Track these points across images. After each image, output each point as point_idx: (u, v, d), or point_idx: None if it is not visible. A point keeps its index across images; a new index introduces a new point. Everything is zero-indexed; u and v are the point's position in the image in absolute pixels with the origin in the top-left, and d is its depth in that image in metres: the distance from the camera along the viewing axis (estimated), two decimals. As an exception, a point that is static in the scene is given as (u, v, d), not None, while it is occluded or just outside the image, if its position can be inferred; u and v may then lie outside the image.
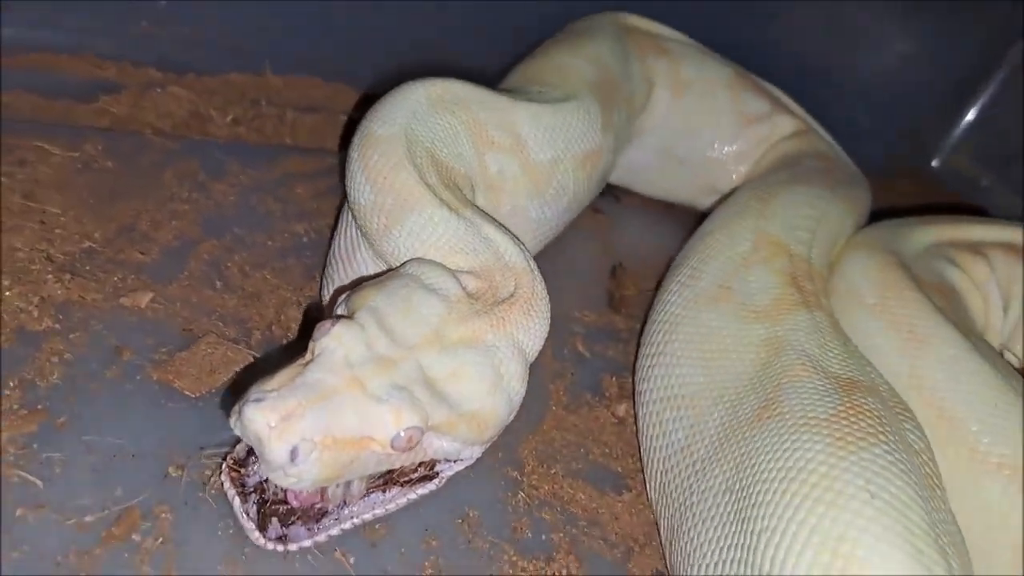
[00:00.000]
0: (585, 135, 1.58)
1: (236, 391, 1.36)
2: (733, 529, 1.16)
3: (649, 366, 1.51)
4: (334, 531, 1.18)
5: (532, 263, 1.30)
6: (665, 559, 1.37)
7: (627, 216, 2.16)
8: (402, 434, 1.07)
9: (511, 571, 1.30)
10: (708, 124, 2.04)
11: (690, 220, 2.23)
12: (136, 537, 1.15)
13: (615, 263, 1.97)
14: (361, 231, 1.35)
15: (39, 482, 1.15)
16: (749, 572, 1.10)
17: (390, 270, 1.32)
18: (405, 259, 1.30)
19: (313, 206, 1.71)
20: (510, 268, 1.29)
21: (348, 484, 1.16)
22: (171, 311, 1.42)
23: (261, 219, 1.63)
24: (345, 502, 1.17)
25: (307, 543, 1.16)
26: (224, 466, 1.17)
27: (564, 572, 1.33)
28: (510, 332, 1.22)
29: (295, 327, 1.49)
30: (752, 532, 1.11)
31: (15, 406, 1.22)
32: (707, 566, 1.19)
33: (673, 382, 1.43)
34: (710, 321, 1.45)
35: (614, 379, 1.69)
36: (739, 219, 1.65)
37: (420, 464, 1.21)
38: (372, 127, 1.37)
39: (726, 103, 2.06)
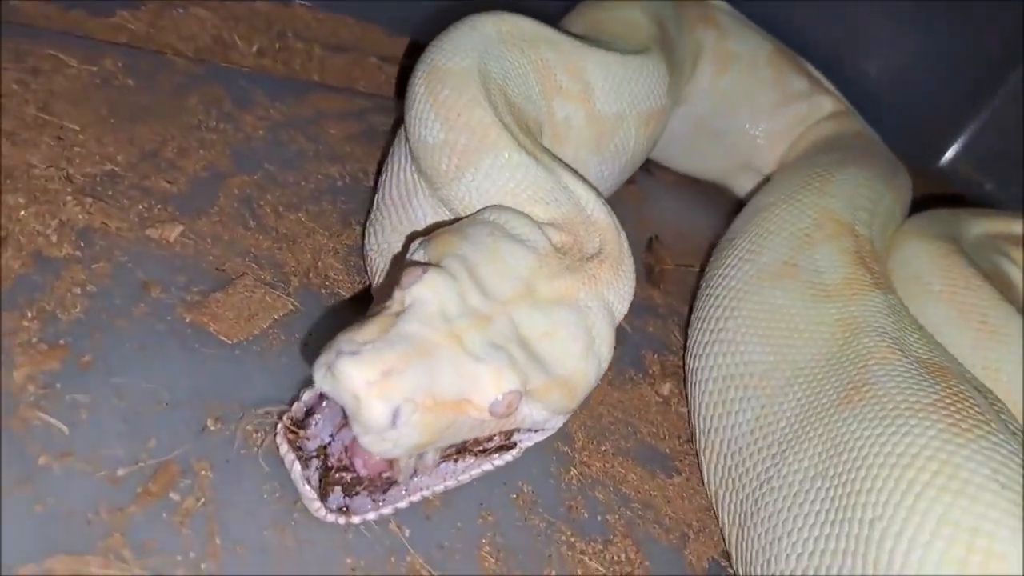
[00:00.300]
0: (652, 93, 1.47)
1: (275, 342, 1.22)
2: (832, 517, 1.08)
3: (706, 343, 1.43)
4: (401, 503, 1.06)
5: (616, 220, 1.19)
6: (730, 547, 1.28)
7: (660, 189, 2.07)
8: (500, 398, 0.95)
9: (569, 552, 1.19)
10: (748, 99, 1.97)
11: (720, 198, 2.14)
12: (174, 496, 1.01)
13: (651, 235, 1.87)
14: (422, 174, 1.22)
15: (64, 427, 1.01)
16: (861, 562, 1.01)
17: (457, 220, 1.19)
18: (476, 206, 1.18)
19: (346, 149, 1.57)
20: (593, 223, 1.18)
21: (422, 454, 1.04)
22: (202, 248, 1.27)
23: (292, 157, 1.49)
24: (416, 472, 1.05)
25: (371, 516, 1.04)
26: (281, 427, 1.04)
27: (623, 556, 1.23)
28: (600, 292, 1.11)
29: (333, 276, 1.36)
30: (861, 521, 1.03)
31: (34, 339, 1.07)
32: (797, 557, 1.10)
33: (736, 360, 1.36)
34: (776, 298, 1.37)
35: (656, 356, 1.60)
36: (800, 194, 1.57)
37: (497, 433, 1.10)
38: (440, 59, 1.24)
39: (768, 79, 1.99)
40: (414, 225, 1.26)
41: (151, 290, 1.20)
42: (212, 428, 1.09)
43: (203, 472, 1.04)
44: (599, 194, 1.20)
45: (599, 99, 1.38)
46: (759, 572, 1.16)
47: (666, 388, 1.51)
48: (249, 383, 1.16)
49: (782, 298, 1.35)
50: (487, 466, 1.09)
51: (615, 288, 1.13)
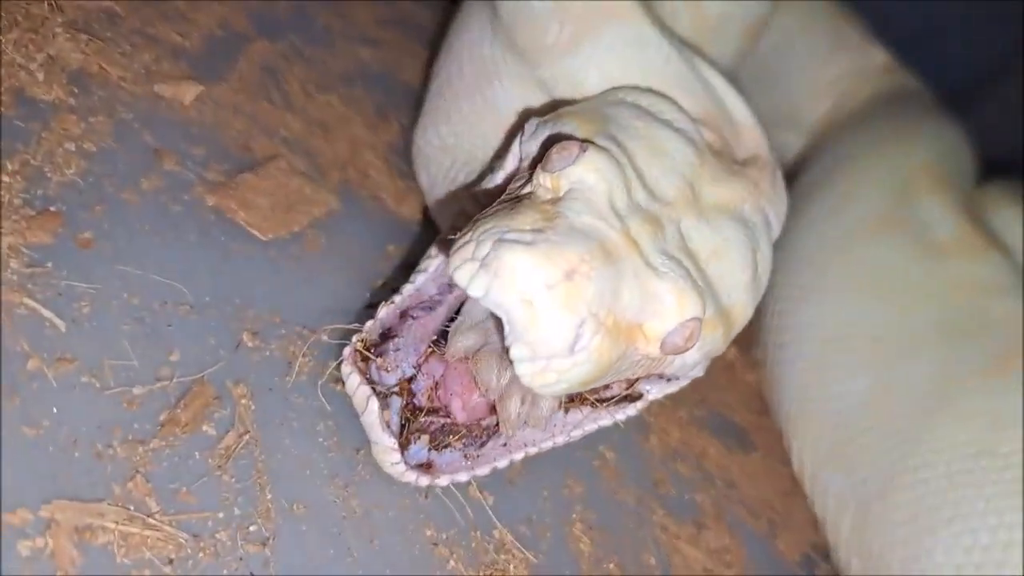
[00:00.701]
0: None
1: (315, 245, 0.95)
2: (1008, 503, 0.88)
3: (794, 300, 1.22)
4: (501, 462, 0.81)
5: (763, 126, 0.97)
6: (837, 539, 1.10)
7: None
8: (678, 327, 0.72)
9: (664, 535, 0.98)
10: (806, 39, 1.77)
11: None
12: (209, 429, 0.73)
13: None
14: (514, 48, 0.97)
15: (60, 322, 0.72)
16: None
17: (555, 106, 0.94)
18: (592, 89, 0.94)
19: (377, 33, 1.30)
20: (737, 125, 0.96)
21: (535, 399, 0.79)
22: (222, 118, 0.99)
23: (320, 33, 1.21)
24: (526, 423, 0.79)
25: (462, 477, 0.79)
26: (350, 351, 0.77)
27: (718, 544, 1.02)
28: (762, 206, 0.90)
29: (374, 176, 1.09)
30: None
31: (16, 201, 0.78)
32: (965, 550, 0.90)
33: (837, 320, 1.18)
34: (879, 253, 1.21)
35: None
36: (887, 146, 1.40)
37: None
38: None
39: (824, 21, 1.79)
40: (494, 116, 1.01)
41: (163, 160, 0.91)
42: (249, 344, 0.82)
43: (243, 401, 0.77)
44: (741, 93, 0.96)
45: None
46: (896, 571, 0.95)
47: (730, 352, 1.30)
48: (289, 292, 0.89)
49: (887, 253, 1.19)
50: (604, 420, 0.86)
51: (774, 203, 0.90)
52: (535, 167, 0.78)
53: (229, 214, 0.92)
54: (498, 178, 0.87)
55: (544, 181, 0.74)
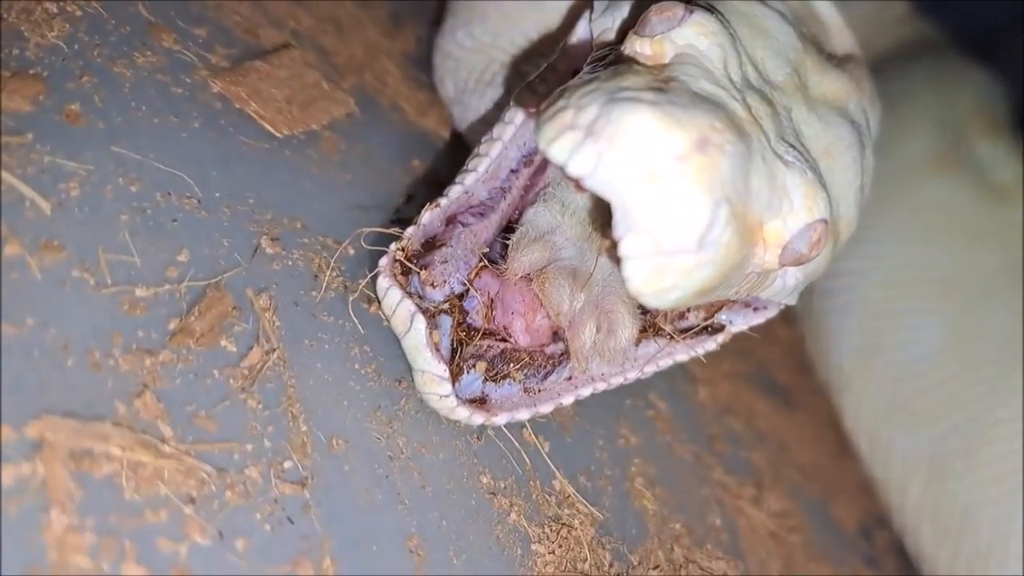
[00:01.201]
0: None
1: (334, 150, 0.81)
2: None
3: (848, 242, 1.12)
4: (566, 398, 0.68)
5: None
6: (904, 505, 0.98)
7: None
8: (805, 228, 0.60)
9: (726, 495, 0.86)
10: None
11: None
12: (228, 344, 0.59)
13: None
14: None
15: (44, 203, 0.56)
16: None
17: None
18: None
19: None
20: (823, 23, 0.84)
21: (612, 326, 0.66)
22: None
23: (325, -76, 1.05)
24: (600, 354, 0.66)
25: (523, 415, 0.66)
26: (388, 261, 0.64)
27: (779, 508, 0.90)
28: (865, 107, 0.78)
29: (392, 84, 0.94)
30: None
31: (-13, 58, 0.61)
32: None
33: (902, 263, 1.07)
34: (940, 193, 1.12)
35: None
36: (935, 87, 1.32)
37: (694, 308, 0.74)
38: None
39: None
40: (537, 10, 0.87)
41: (160, 36, 0.75)
42: (268, 251, 0.67)
43: (266, 314, 0.62)
44: None
45: None
46: (985, 533, 0.85)
47: (764, 302, 1.17)
48: (308, 197, 0.75)
49: (949, 194, 1.11)
50: (681, 355, 0.73)
51: (874, 106, 0.78)
52: (623, 37, 0.64)
53: (238, 103, 0.77)
54: (559, 65, 0.74)
55: (642, 47, 0.60)
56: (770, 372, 1.11)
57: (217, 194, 0.70)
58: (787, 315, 1.18)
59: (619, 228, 0.53)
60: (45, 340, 0.52)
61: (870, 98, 0.79)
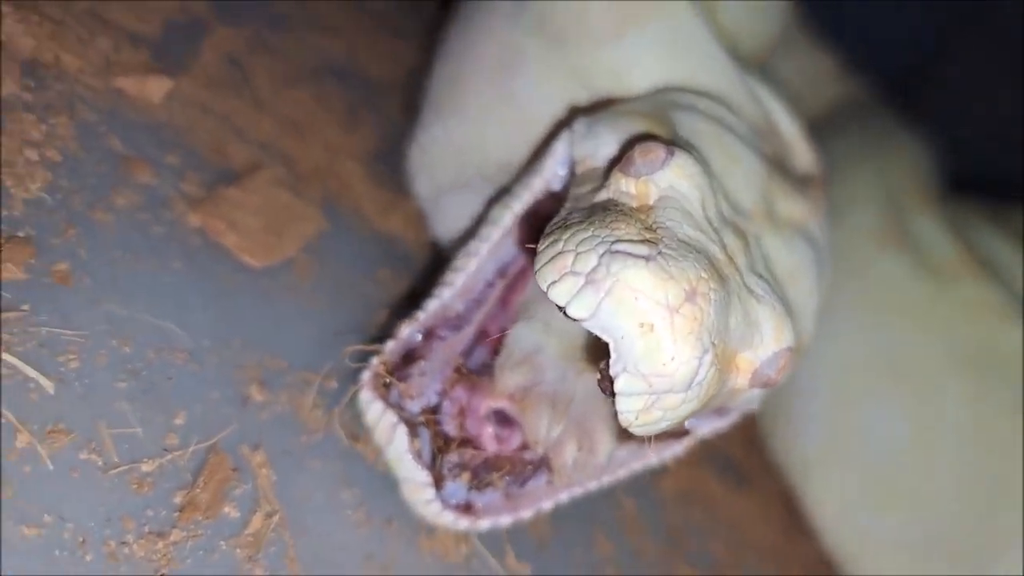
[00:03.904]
0: (777, 18, 1.19)
1: (308, 274, 0.83)
2: None
3: None
4: (546, 503, 0.74)
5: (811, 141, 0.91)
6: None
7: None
8: (772, 356, 0.66)
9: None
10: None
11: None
12: (231, 510, 0.61)
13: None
14: (550, 31, 0.86)
15: (47, 382, 0.57)
16: None
17: (601, 105, 0.84)
18: (634, 83, 0.84)
19: (338, 18, 1.17)
20: (785, 139, 0.89)
21: (592, 445, 0.71)
22: (192, 118, 0.85)
23: (278, 18, 1.07)
24: (580, 470, 0.71)
25: (505, 520, 0.71)
26: (370, 376, 0.69)
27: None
28: (823, 225, 0.83)
29: (356, 187, 0.97)
30: None
31: (-23, 225, 0.61)
32: None
33: (855, 346, 1.12)
34: (885, 270, 1.15)
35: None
36: (869, 156, 1.36)
37: None
38: None
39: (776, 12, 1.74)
40: (515, 110, 0.89)
41: (135, 171, 0.76)
42: (257, 398, 0.69)
43: (263, 471, 0.65)
44: (790, 106, 0.89)
45: (721, 10, 1.07)
46: None
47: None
48: (287, 328, 0.78)
49: (893, 271, 1.14)
50: (651, 459, 0.78)
51: (826, 224, 0.84)
52: (610, 170, 0.68)
53: (216, 236, 0.78)
54: (536, 184, 0.77)
55: (627, 187, 0.64)
56: (723, 448, 1.16)
57: (205, 341, 0.71)
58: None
59: (615, 367, 0.57)
60: (63, 538, 0.53)
61: (826, 216, 0.84)
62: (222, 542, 0.61)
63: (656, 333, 0.56)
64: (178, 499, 0.60)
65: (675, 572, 0.92)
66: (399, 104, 1.13)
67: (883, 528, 1.03)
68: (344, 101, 1.08)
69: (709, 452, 1.12)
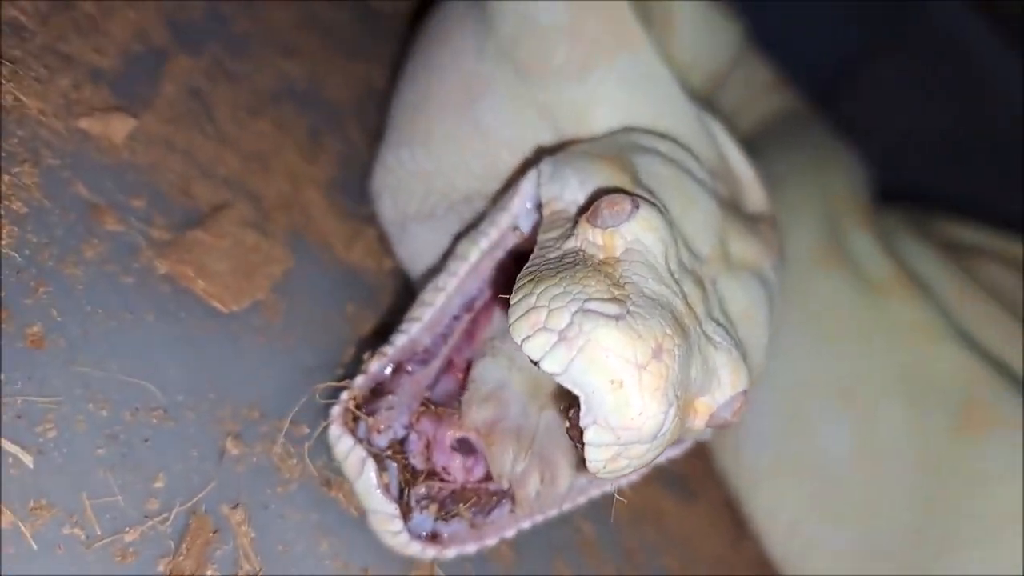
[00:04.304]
0: (728, 46, 1.20)
1: (276, 313, 0.83)
2: None
3: None
4: (509, 531, 0.76)
5: (762, 181, 0.93)
6: None
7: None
8: (729, 401, 0.69)
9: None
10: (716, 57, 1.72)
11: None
12: (214, 574, 0.61)
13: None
14: (514, 65, 0.87)
15: (26, 457, 0.57)
16: None
17: (566, 143, 0.86)
18: (596, 120, 0.86)
19: (298, 39, 1.16)
20: (737, 177, 0.92)
21: (553, 477, 0.74)
22: (157, 158, 0.85)
23: (239, 42, 1.06)
24: (542, 501, 0.74)
25: (471, 547, 0.74)
26: (340, 411, 0.72)
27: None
28: (775, 265, 0.86)
29: (319, 217, 0.97)
30: None
31: (-53, 291, 0.61)
32: None
33: (806, 365, 1.15)
34: (826, 289, 1.18)
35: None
36: (805, 171, 1.39)
37: None
38: None
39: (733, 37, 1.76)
40: (480, 139, 0.90)
41: (103, 218, 0.76)
42: (233, 452, 0.70)
43: (242, 528, 0.66)
44: (741, 145, 0.92)
45: (678, 39, 1.09)
46: None
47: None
48: (257, 374, 0.79)
49: (834, 289, 1.17)
50: (607, 486, 0.81)
51: (781, 260, 0.87)
52: (578, 216, 0.70)
53: (185, 282, 0.78)
54: (503, 221, 0.79)
55: (595, 238, 0.67)
56: (670, 462, 1.19)
57: (179, 396, 0.71)
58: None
59: (585, 419, 0.60)
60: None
61: (778, 255, 0.87)
62: (208, 609, 0.61)
63: (625, 390, 0.59)
64: (161, 567, 0.61)
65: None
66: (360, 127, 1.13)
67: (828, 540, 1.07)
68: (305, 126, 1.08)
69: (657, 467, 1.15)
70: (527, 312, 0.62)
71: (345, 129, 1.12)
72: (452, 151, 0.92)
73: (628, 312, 0.60)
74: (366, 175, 1.03)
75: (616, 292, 0.62)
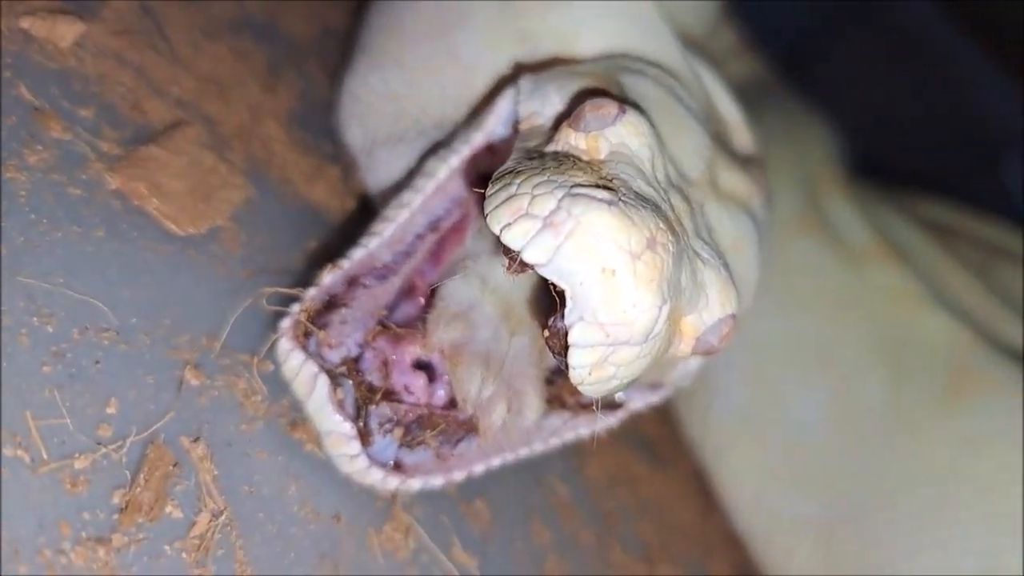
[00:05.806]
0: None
1: (234, 243, 0.77)
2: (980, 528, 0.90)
3: None
4: (477, 467, 0.71)
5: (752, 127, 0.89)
6: (794, 559, 1.05)
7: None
8: (717, 323, 0.64)
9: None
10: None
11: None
12: (175, 510, 0.55)
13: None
14: None
15: (-40, 367, 0.50)
16: None
17: (545, 65, 0.81)
18: (580, 47, 0.80)
19: (253, -29, 1.07)
20: (725, 121, 0.88)
21: (521, 407, 0.69)
22: (106, 69, 0.77)
23: (190, -40, 0.98)
24: (508, 433, 0.69)
25: (437, 481, 0.68)
26: (290, 323, 0.65)
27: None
28: (763, 204, 0.82)
29: (280, 152, 0.90)
30: None
31: None
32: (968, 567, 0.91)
33: (778, 328, 1.11)
34: (803, 256, 1.15)
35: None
36: (793, 136, 1.36)
37: None
38: None
39: None
40: (456, 67, 0.84)
41: (48, 124, 0.68)
42: (193, 382, 0.63)
43: (204, 464, 0.59)
44: (730, 88, 0.88)
45: None
46: None
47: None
48: (217, 305, 0.70)
49: (812, 256, 1.14)
50: (583, 428, 0.76)
51: (769, 203, 0.83)
52: (558, 124, 0.65)
53: (138, 200, 0.71)
54: (477, 139, 0.73)
55: (577, 142, 0.62)
56: (639, 428, 1.15)
57: (133, 319, 0.64)
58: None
59: (571, 316, 0.54)
60: (-8, 548, 0.46)
61: (767, 196, 0.83)
62: (166, 546, 0.54)
63: (618, 279, 0.53)
64: (117, 499, 0.54)
65: (610, 558, 0.90)
66: (320, 65, 1.07)
67: (794, 508, 1.04)
68: (264, 58, 1.01)
69: (626, 432, 1.11)
70: (508, 200, 0.56)
71: (305, 65, 1.05)
72: (427, 78, 0.86)
73: (620, 199, 0.54)
74: (328, 113, 0.96)
75: (605, 183, 0.57)
